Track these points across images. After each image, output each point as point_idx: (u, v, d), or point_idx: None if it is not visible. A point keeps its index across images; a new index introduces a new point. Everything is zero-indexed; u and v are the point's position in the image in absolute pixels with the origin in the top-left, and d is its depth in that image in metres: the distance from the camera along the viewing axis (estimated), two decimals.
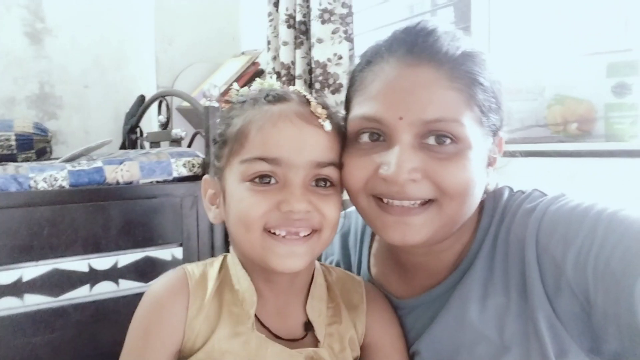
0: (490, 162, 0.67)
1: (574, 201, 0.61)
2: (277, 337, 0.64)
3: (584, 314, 0.57)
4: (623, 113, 1.16)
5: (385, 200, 0.62)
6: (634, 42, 1.14)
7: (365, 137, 0.63)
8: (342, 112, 0.69)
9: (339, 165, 0.64)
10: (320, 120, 0.61)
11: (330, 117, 0.64)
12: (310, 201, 0.60)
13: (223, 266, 0.68)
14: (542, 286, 0.60)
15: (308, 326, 0.66)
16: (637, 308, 0.52)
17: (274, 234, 0.60)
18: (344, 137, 0.66)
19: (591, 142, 1.20)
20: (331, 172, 0.62)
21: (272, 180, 0.60)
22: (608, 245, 0.55)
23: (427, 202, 0.61)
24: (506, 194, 0.69)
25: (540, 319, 0.59)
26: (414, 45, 0.61)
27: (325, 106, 0.64)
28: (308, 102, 0.64)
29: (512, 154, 0.72)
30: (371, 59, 0.65)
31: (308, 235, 0.61)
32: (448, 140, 0.59)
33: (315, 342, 0.65)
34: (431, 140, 0.60)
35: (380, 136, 0.62)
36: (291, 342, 0.64)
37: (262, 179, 0.60)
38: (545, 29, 1.30)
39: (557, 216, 0.61)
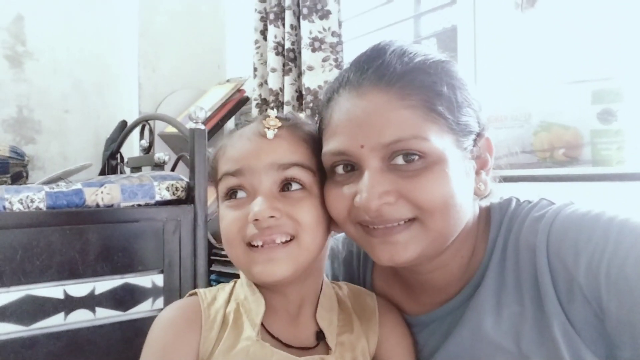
0: (482, 166, 0.65)
1: (584, 208, 0.61)
2: (287, 346, 0.65)
3: (598, 321, 0.56)
4: (609, 139, 1.18)
5: (370, 225, 0.62)
6: (618, 70, 1.17)
7: (340, 169, 0.64)
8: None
9: (311, 169, 0.64)
10: (268, 131, 0.64)
11: (292, 126, 0.66)
12: (277, 207, 0.61)
13: (234, 287, 0.71)
14: (554, 293, 0.59)
15: (320, 335, 0.67)
16: None
17: (255, 246, 0.62)
18: (318, 143, 0.66)
19: (579, 167, 1.21)
20: (297, 173, 0.63)
21: (243, 194, 0.63)
22: (621, 251, 0.54)
23: (410, 220, 0.60)
24: (513, 203, 0.69)
25: (555, 326, 0.58)
26: (363, 73, 0.62)
27: (284, 118, 0.67)
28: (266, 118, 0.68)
29: (501, 179, 0.71)
30: (330, 95, 0.66)
31: (286, 242, 0.62)
32: (416, 157, 0.58)
33: (327, 351, 0.66)
34: (399, 160, 0.59)
35: (354, 166, 0.62)
36: (302, 350, 0.65)
37: (237, 194, 0.64)
38: (531, 57, 1.33)
39: (567, 222, 0.60)
